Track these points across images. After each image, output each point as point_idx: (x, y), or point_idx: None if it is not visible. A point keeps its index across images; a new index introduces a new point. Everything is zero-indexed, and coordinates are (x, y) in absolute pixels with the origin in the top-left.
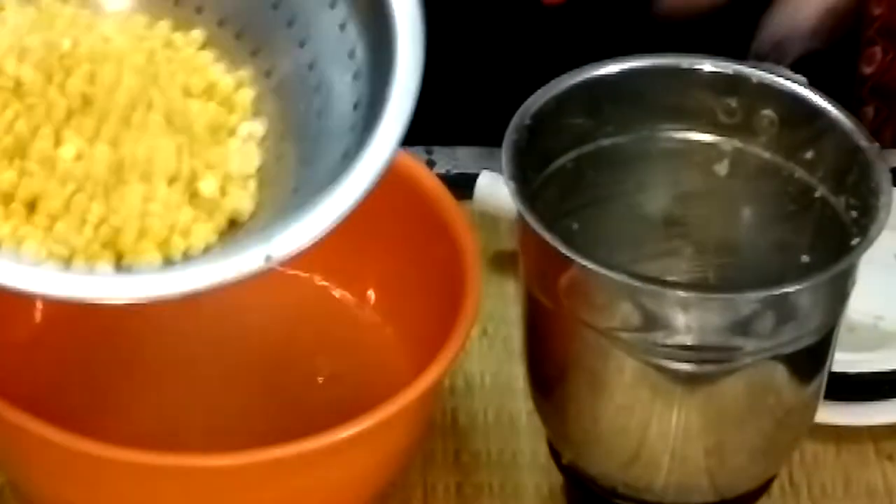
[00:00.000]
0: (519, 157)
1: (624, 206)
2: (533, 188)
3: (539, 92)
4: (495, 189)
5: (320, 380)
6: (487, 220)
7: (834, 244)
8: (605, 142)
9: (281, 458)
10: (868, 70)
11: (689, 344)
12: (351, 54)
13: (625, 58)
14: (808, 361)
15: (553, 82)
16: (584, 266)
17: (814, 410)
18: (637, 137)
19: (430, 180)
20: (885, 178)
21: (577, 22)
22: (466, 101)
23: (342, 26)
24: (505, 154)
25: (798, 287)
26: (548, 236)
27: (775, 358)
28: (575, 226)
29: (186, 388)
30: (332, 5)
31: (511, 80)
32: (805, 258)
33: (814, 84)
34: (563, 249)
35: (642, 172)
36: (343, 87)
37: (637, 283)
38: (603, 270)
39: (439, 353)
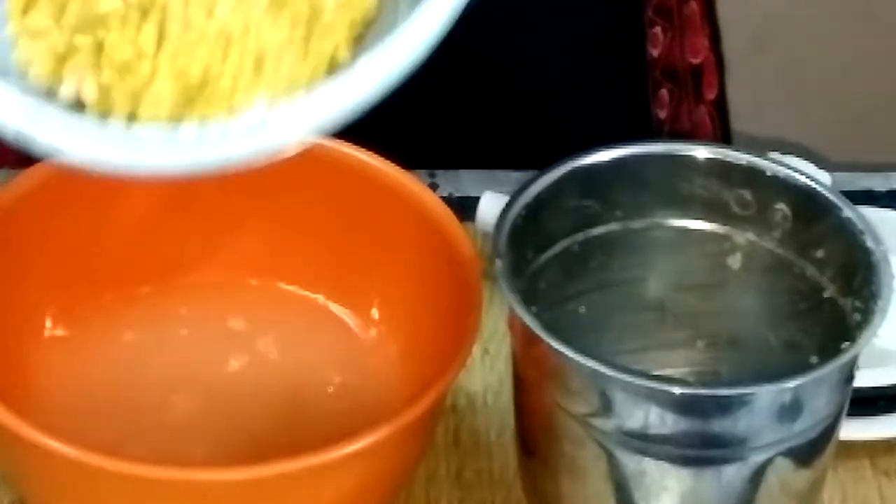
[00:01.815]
0: (514, 235)
1: (634, 292)
2: (534, 267)
3: (541, 172)
4: (497, 210)
5: (325, 396)
6: (489, 241)
7: (840, 347)
8: (615, 226)
9: (283, 473)
10: (655, 52)
11: (666, 437)
12: None
13: (634, 142)
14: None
15: (556, 163)
16: (557, 350)
17: (819, 485)
18: (649, 224)
19: (433, 202)
20: (886, 282)
21: (575, 52)
22: (468, 126)
23: None
24: (497, 230)
25: (753, 391)
26: (526, 316)
27: (752, 458)
28: (582, 309)
29: (192, 404)
30: None
31: (512, 105)
32: (814, 359)
33: (607, 69)
34: (539, 331)
35: (653, 260)
36: None
37: (609, 373)
38: (574, 355)
39: (441, 372)
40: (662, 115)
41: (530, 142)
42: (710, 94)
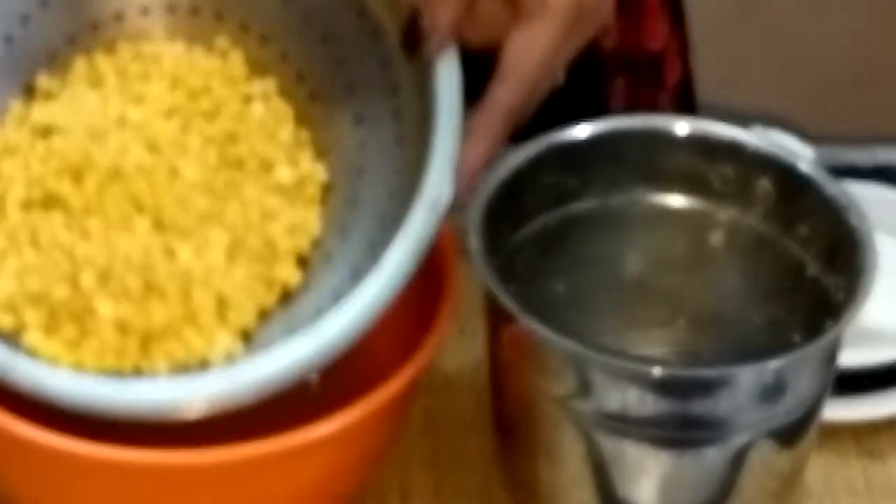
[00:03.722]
0: (491, 212)
1: (613, 270)
2: (511, 244)
3: (519, 148)
4: None
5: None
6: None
7: (824, 325)
8: (594, 203)
9: (255, 455)
10: (608, 43)
11: (646, 418)
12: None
13: (613, 118)
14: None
15: (534, 139)
16: (534, 329)
17: (802, 466)
18: (629, 201)
19: None
20: (870, 260)
21: None
22: None
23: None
24: (473, 207)
25: (735, 371)
26: (502, 295)
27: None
28: (561, 287)
29: None
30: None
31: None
32: (797, 338)
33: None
34: (515, 310)
35: (633, 237)
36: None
37: (588, 353)
38: (552, 335)
39: (415, 352)
40: (617, 106)
41: None
42: (673, 79)
